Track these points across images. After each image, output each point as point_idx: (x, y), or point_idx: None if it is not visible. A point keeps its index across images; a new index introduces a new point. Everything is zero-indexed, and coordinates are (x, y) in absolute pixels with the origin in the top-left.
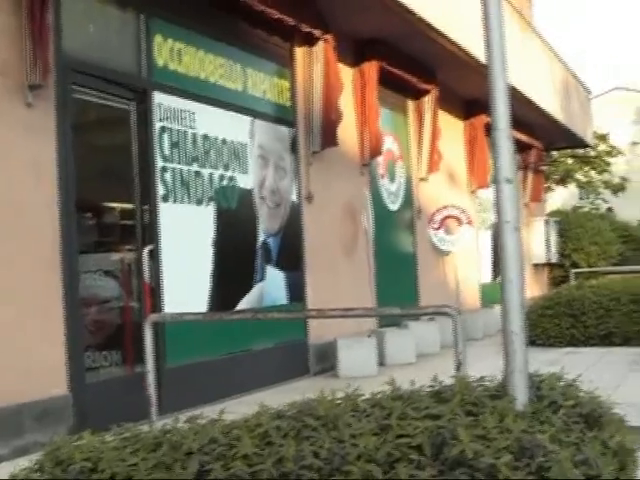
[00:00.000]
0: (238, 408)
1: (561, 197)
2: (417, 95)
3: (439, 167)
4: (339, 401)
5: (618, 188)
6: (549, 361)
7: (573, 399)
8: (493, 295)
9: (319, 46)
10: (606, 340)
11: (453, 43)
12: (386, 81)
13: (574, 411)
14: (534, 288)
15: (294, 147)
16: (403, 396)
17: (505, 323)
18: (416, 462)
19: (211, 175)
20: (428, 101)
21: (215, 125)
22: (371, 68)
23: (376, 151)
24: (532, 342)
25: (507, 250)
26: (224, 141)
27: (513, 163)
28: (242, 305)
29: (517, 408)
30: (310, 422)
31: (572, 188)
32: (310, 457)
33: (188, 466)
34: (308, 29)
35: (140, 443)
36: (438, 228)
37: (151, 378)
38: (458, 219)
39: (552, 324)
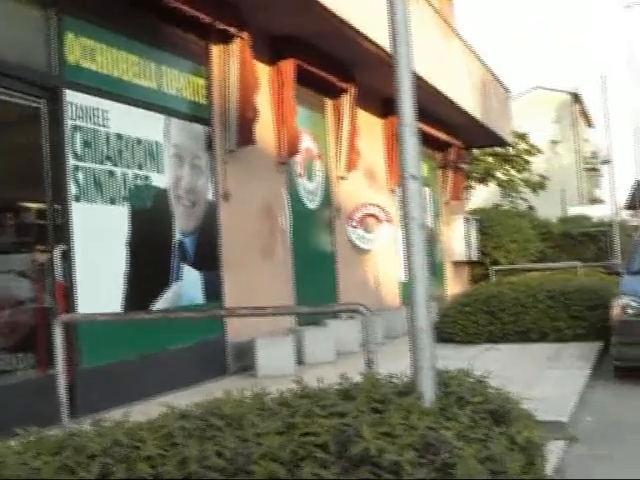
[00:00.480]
0: (152, 409)
1: (482, 195)
2: (335, 94)
3: (358, 165)
4: (247, 400)
5: (538, 186)
6: (467, 357)
7: (481, 395)
8: None
9: (235, 44)
10: (523, 336)
11: (371, 42)
12: (304, 79)
13: (482, 407)
14: (455, 286)
15: (210, 145)
16: (310, 394)
17: (412, 319)
18: (321, 460)
19: (125, 174)
20: (346, 100)
21: (129, 124)
22: (288, 66)
23: (294, 150)
24: (451, 339)
25: (413, 247)
26: (138, 140)
27: (419, 159)
28: (158, 305)
29: (424, 405)
30: (215, 422)
31: (493, 186)
32: (213, 457)
33: (91, 469)
34: (224, 27)
35: (44, 446)
36: (357, 226)
37: (62, 380)
38: (377, 217)
39: (470, 321)
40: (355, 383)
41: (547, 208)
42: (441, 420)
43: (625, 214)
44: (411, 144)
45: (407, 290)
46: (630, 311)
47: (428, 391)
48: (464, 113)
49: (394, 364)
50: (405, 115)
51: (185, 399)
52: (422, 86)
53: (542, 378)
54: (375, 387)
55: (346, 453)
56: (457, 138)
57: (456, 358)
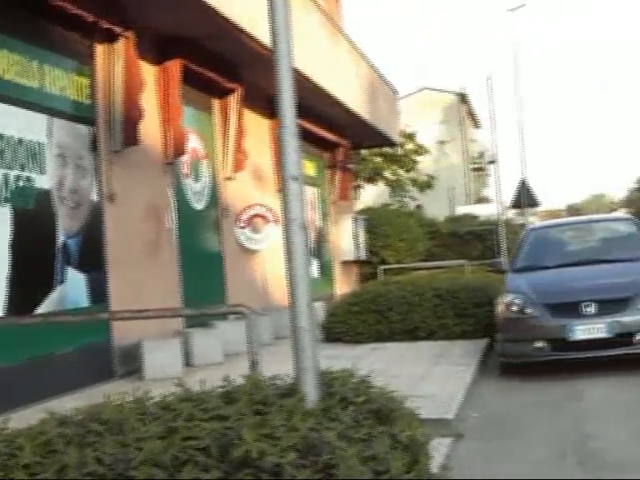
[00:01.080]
0: (34, 415)
1: (371, 195)
2: (222, 94)
3: (245, 166)
4: (129, 404)
5: (426, 186)
6: (354, 357)
7: (365, 395)
8: None
9: (120, 43)
10: (411, 334)
11: (257, 41)
12: (190, 79)
13: (365, 407)
14: (343, 285)
15: (95, 146)
16: (193, 397)
17: (294, 320)
18: (202, 464)
19: (6, 175)
20: (233, 100)
21: (10, 124)
22: (174, 66)
23: (180, 150)
24: (339, 339)
25: (294, 248)
26: (20, 140)
27: (300, 161)
28: (42, 308)
29: (307, 406)
30: (95, 427)
31: (382, 186)
32: (93, 464)
33: None
34: (108, 26)
35: None
36: (245, 227)
37: None
38: (265, 217)
39: (358, 320)
40: (238, 385)
41: (435, 207)
42: (324, 421)
43: (511, 213)
44: (292, 145)
45: None
46: (514, 308)
47: (311, 392)
48: (352, 113)
49: (281, 365)
50: (286, 116)
51: (69, 404)
52: (309, 86)
53: (429, 376)
54: (258, 389)
55: (227, 456)
56: (345, 138)
57: (344, 358)
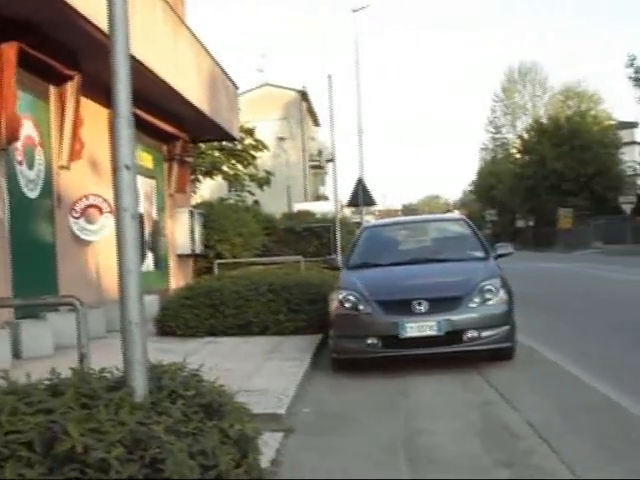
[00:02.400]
0: None
1: (210, 189)
2: (60, 81)
3: (81, 155)
4: None
5: (264, 182)
6: (187, 351)
7: (194, 389)
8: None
9: None
10: (245, 329)
11: (95, 27)
12: (27, 64)
13: (194, 401)
14: (179, 279)
15: None
16: (18, 391)
17: (124, 313)
18: (25, 459)
19: None
20: (71, 88)
21: None
22: (9, 50)
23: (13, 136)
24: (173, 332)
25: (125, 239)
26: None
27: (133, 150)
28: None
29: (135, 400)
30: None
31: (220, 180)
32: None
33: None
34: None
35: None
36: (79, 217)
37: None
38: (100, 208)
39: (192, 314)
40: (65, 378)
41: (273, 203)
42: (152, 415)
43: (348, 211)
44: (125, 135)
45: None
46: (348, 305)
47: (139, 385)
48: (192, 106)
49: (112, 358)
50: (120, 105)
51: None
52: (149, 77)
53: (261, 371)
54: (85, 382)
55: (52, 451)
56: (184, 131)
57: (176, 352)
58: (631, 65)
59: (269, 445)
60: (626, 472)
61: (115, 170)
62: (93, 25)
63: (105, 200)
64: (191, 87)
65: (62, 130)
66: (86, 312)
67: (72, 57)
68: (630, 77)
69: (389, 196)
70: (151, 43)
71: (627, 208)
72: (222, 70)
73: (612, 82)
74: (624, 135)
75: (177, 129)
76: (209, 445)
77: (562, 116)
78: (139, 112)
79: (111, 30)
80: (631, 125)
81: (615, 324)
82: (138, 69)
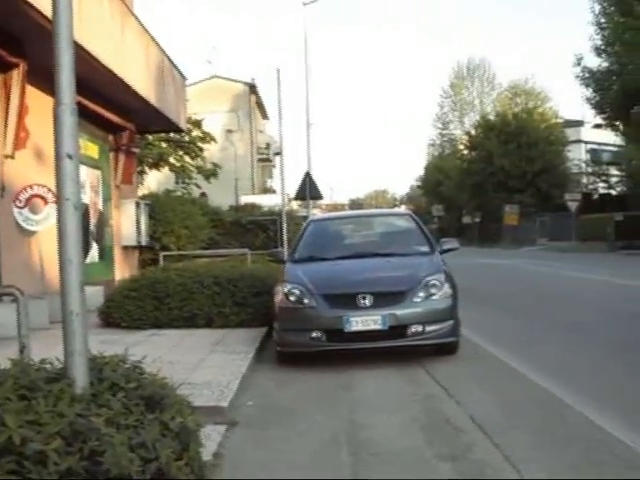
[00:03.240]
0: None
1: (157, 181)
2: (4, 69)
3: (26, 145)
4: None
5: (211, 174)
6: (131, 343)
7: (135, 381)
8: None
9: None
10: (190, 322)
11: (43, 16)
12: None
13: (136, 393)
14: (124, 270)
15: None
16: None
17: (64, 303)
18: None
19: None
20: (16, 75)
21: None
22: None
23: None
24: (117, 324)
25: (66, 229)
26: None
27: (76, 139)
28: None
29: (75, 391)
30: None
31: (167, 172)
32: None
33: None
34: None
35: None
36: (23, 207)
37: None
38: (44, 198)
39: (136, 306)
40: (4, 370)
41: (221, 196)
42: (92, 407)
43: (295, 204)
44: (68, 123)
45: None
46: (292, 298)
47: (80, 377)
48: (139, 97)
49: (54, 349)
50: (63, 93)
51: None
52: (96, 66)
53: (205, 363)
54: (24, 373)
55: None
56: (131, 121)
57: (120, 343)
58: (578, 64)
59: (212, 438)
60: (567, 467)
61: (57, 159)
62: (38, 11)
63: (50, 190)
64: (138, 77)
65: (7, 118)
66: (27, 302)
67: (17, 44)
68: (577, 76)
69: (337, 190)
70: (98, 32)
71: (572, 205)
72: (170, 61)
73: (559, 81)
74: (570, 133)
75: (124, 119)
76: (149, 438)
77: (509, 113)
78: (85, 101)
79: (55, 16)
80: (577, 123)
81: (558, 320)
82: (84, 57)
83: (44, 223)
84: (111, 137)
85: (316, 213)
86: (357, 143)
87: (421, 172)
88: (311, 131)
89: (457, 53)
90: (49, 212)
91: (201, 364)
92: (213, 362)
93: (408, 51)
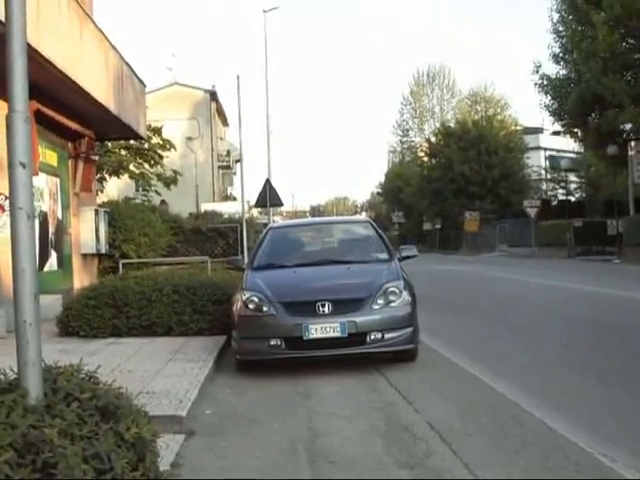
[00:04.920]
0: None
1: (118, 188)
2: None
3: None
4: None
5: (171, 181)
6: (89, 352)
7: (90, 391)
8: (42, 285)
9: None
10: (149, 330)
11: None
12: None
13: (90, 404)
14: (84, 278)
15: None
16: None
17: (18, 313)
18: None
19: None
20: None
21: None
22: None
23: None
24: (76, 333)
25: (19, 238)
26: None
27: (29, 147)
28: None
29: (29, 402)
30: None
31: (128, 180)
32: None
33: None
34: None
35: None
36: None
37: None
38: (1, 206)
39: (95, 315)
40: None
41: (181, 203)
42: (46, 418)
43: (256, 212)
44: (21, 131)
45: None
46: (251, 306)
47: (33, 387)
48: (98, 104)
49: (10, 359)
50: (16, 100)
51: None
52: (53, 72)
53: (164, 372)
54: None
55: None
56: (90, 128)
57: (78, 352)
58: (537, 72)
59: (170, 448)
60: (520, 473)
61: (10, 168)
62: None
63: (7, 198)
64: (97, 84)
65: None
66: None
67: None
68: (536, 83)
69: (298, 197)
70: (56, 37)
71: (531, 212)
72: (129, 67)
73: (519, 88)
74: (529, 140)
75: (83, 126)
76: (104, 448)
77: (469, 120)
78: (43, 108)
79: (7, 20)
80: (536, 130)
81: (513, 325)
82: (41, 63)
83: (2, 231)
84: (70, 144)
85: (277, 220)
86: (318, 150)
87: (381, 179)
88: (271, 138)
89: (419, 60)
90: (6, 220)
91: (160, 373)
92: (172, 371)
93: (370, 58)
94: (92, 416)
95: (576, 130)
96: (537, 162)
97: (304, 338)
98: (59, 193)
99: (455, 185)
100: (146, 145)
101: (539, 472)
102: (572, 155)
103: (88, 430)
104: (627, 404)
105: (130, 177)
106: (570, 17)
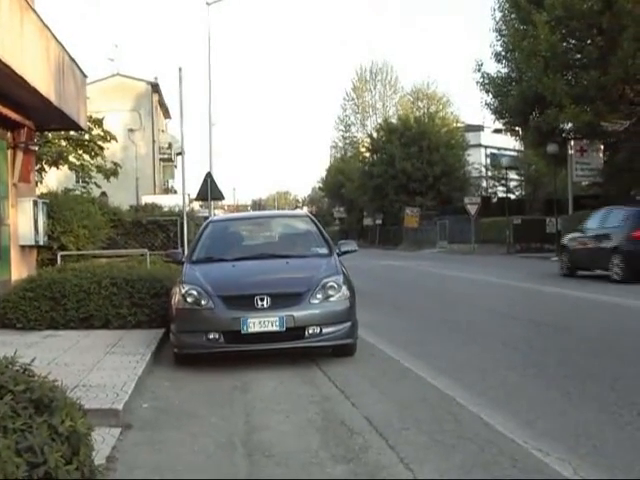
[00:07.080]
0: None
1: (58, 180)
2: None
3: None
4: None
5: (111, 173)
6: (26, 344)
7: (24, 384)
8: None
9: None
10: (87, 323)
11: None
12: None
13: (24, 397)
14: (22, 270)
15: None
16: None
17: None
18: None
19: None
20: None
21: None
22: None
23: None
24: (13, 325)
25: None
26: None
27: None
28: None
29: None
30: None
31: (68, 171)
32: None
33: None
34: None
35: None
36: None
37: None
38: None
39: (32, 307)
40: None
41: (122, 196)
42: None
43: (197, 205)
44: None
45: None
46: (190, 299)
47: None
48: (38, 94)
49: None
50: None
51: None
52: None
53: (101, 365)
54: None
55: None
56: (29, 119)
57: (14, 345)
58: (478, 70)
59: (106, 441)
60: (456, 467)
61: None
62: None
63: None
64: (37, 74)
65: None
66: None
67: None
68: (477, 82)
69: (239, 191)
70: None
71: (472, 209)
72: (70, 58)
73: (461, 86)
74: (471, 138)
75: (22, 116)
76: (37, 442)
77: (411, 117)
78: None
79: None
80: (477, 128)
81: (451, 322)
82: None
83: None
84: (9, 134)
85: (218, 214)
86: (260, 144)
87: (323, 174)
88: (213, 131)
89: (363, 56)
90: None
91: (97, 366)
92: (109, 364)
93: (314, 52)
94: (26, 409)
95: (517, 128)
96: (478, 159)
97: (242, 332)
98: None
99: (396, 181)
100: (87, 136)
101: (474, 466)
102: (513, 153)
103: (21, 423)
104: (563, 401)
105: (70, 168)
106: (512, 16)
